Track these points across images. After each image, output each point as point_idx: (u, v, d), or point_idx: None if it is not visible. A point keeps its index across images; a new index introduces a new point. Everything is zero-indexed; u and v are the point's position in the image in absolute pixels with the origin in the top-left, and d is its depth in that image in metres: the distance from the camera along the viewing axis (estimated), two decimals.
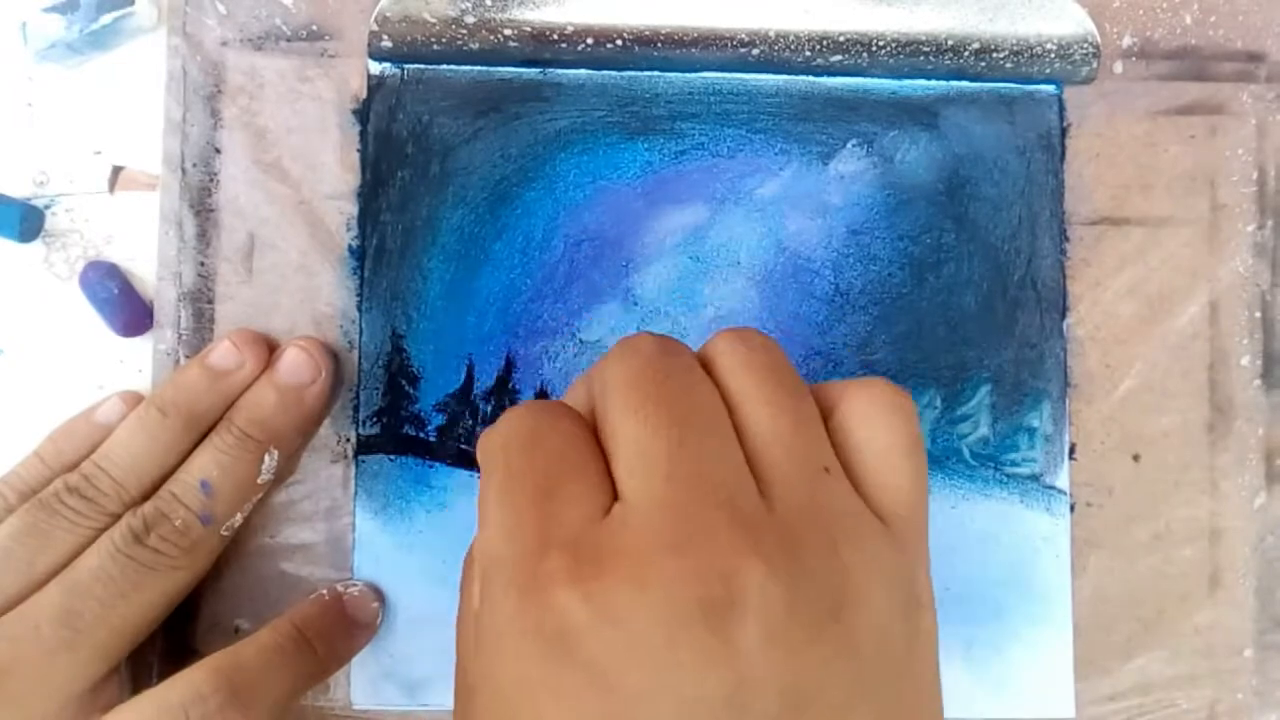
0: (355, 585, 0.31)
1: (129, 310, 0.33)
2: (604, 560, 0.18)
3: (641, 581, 0.18)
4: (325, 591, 0.31)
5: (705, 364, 0.22)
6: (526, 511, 0.20)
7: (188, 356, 0.32)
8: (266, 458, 0.30)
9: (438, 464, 0.32)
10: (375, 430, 0.32)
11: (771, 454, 0.20)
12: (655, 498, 0.19)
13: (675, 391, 0.21)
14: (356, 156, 0.33)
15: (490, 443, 0.22)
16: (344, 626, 0.31)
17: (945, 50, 0.33)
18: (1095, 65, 0.33)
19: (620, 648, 0.18)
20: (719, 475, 0.20)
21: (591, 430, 0.22)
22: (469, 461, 0.32)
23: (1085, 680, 0.32)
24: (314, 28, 0.33)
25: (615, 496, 0.20)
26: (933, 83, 0.33)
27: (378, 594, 0.32)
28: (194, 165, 0.32)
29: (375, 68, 0.33)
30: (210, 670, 0.27)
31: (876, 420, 0.21)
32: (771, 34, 0.32)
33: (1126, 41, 0.34)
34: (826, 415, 0.22)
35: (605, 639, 0.18)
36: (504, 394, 0.32)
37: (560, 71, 0.33)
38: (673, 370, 0.21)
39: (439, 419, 0.32)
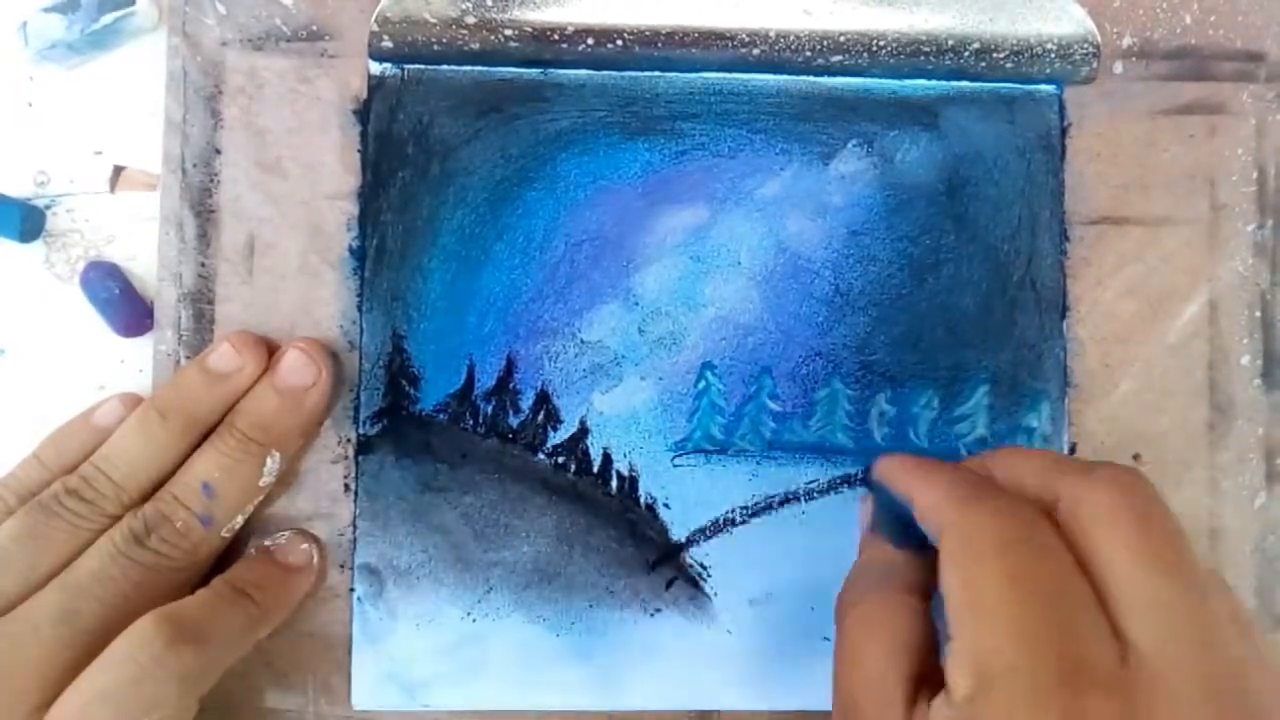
0: (282, 536, 0.32)
1: (129, 310, 0.33)
2: None
3: None
4: (253, 548, 0.31)
5: None
6: (1047, 628, 0.20)
7: (188, 357, 0.32)
8: (269, 460, 0.30)
9: (439, 465, 0.32)
10: (376, 431, 0.32)
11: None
12: (1183, 664, 0.20)
13: (1190, 552, 0.21)
14: (357, 157, 0.33)
15: (979, 531, 0.22)
16: (277, 573, 0.31)
17: (945, 50, 0.33)
18: (1095, 65, 0.33)
19: None
20: (1236, 648, 0.20)
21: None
22: (470, 462, 0.32)
23: None
24: (314, 28, 0.33)
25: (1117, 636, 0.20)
26: (933, 83, 0.33)
27: (307, 537, 0.32)
28: (194, 166, 0.32)
29: (376, 68, 0.33)
30: (150, 617, 0.27)
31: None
32: (772, 34, 0.32)
33: (1126, 41, 0.34)
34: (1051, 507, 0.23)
35: None
36: (504, 394, 0.32)
37: (561, 72, 0.33)
38: (1179, 526, 0.22)
39: (440, 419, 0.32)
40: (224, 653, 0.28)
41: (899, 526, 0.27)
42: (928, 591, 0.26)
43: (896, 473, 0.27)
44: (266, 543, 0.31)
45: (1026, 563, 0.21)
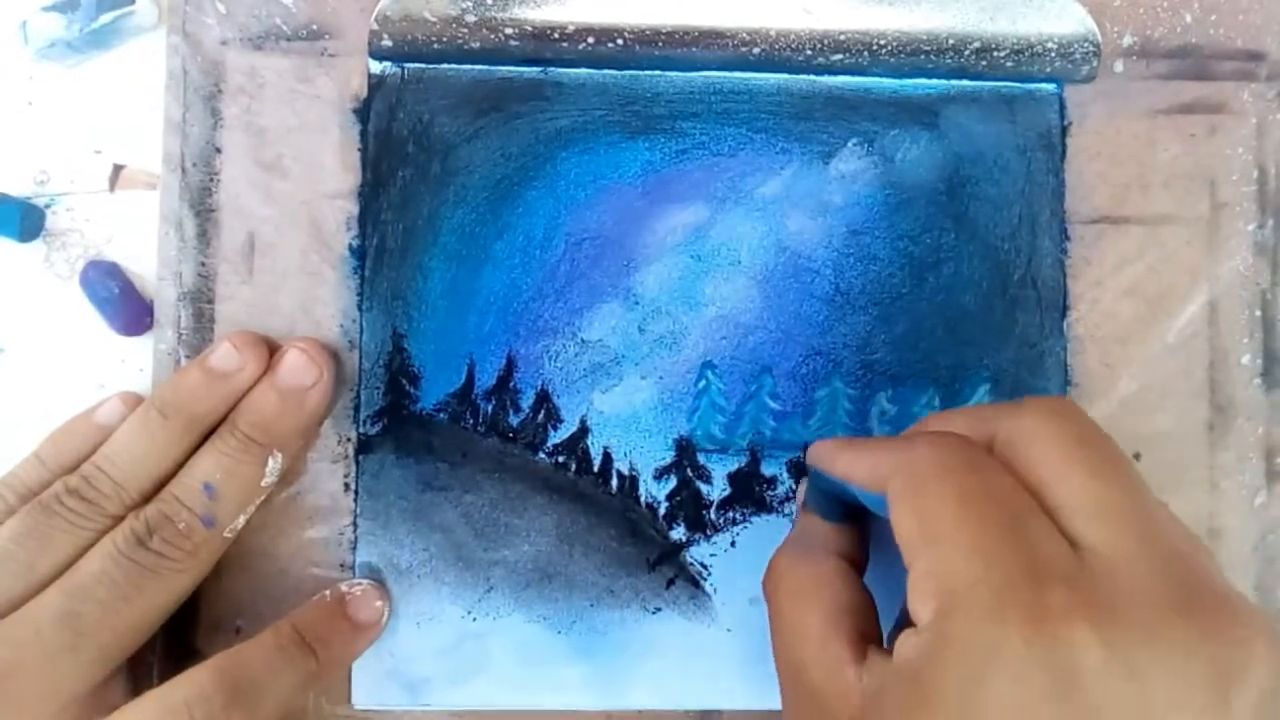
0: (359, 585, 0.31)
1: (129, 310, 0.33)
2: (1115, 607, 0.19)
3: (1156, 638, 0.19)
4: (328, 593, 0.31)
5: None
6: (1002, 537, 0.20)
7: (188, 356, 0.32)
8: (270, 461, 0.30)
9: (439, 464, 0.32)
10: (376, 430, 0.32)
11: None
12: (1135, 554, 0.20)
13: (1126, 461, 0.22)
14: (357, 156, 0.33)
15: (922, 463, 0.23)
16: (345, 629, 0.30)
17: (946, 49, 0.33)
18: (1096, 64, 0.33)
19: (1129, 700, 0.19)
20: (1182, 541, 0.21)
21: None
22: (470, 461, 0.32)
23: None
24: (314, 27, 0.33)
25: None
26: (933, 82, 0.33)
27: (382, 592, 0.31)
28: (194, 165, 0.32)
29: (376, 67, 0.33)
30: (214, 669, 0.27)
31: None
32: (772, 33, 0.32)
33: (1127, 40, 0.34)
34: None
35: (1115, 689, 0.19)
36: (505, 393, 0.32)
37: (561, 70, 0.33)
38: (1113, 440, 0.23)
39: (440, 419, 0.32)
40: (274, 710, 0.28)
41: (830, 503, 0.28)
42: (859, 560, 0.27)
43: (830, 454, 0.27)
44: (343, 588, 0.31)
45: (972, 483, 0.22)
